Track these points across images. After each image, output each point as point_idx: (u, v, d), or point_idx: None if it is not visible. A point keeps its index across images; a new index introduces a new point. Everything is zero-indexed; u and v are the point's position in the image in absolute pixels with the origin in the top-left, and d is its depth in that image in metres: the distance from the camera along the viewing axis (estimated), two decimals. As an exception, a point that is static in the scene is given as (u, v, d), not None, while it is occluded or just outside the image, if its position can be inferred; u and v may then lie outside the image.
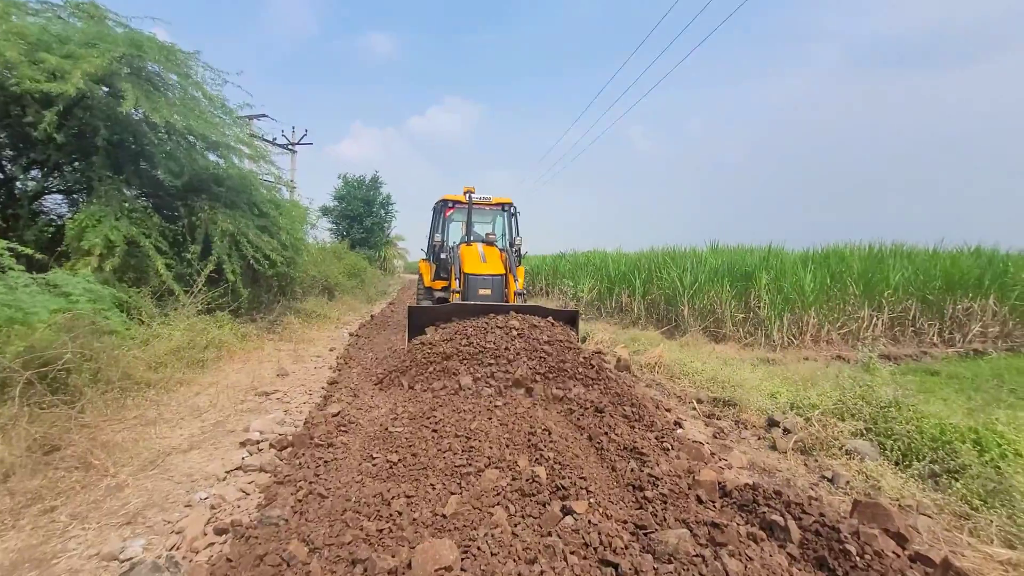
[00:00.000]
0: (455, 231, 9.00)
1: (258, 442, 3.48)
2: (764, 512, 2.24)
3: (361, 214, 29.81)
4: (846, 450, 3.46)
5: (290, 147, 20.71)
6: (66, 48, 5.29)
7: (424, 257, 8.83)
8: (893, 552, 1.93)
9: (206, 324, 6.43)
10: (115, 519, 2.54)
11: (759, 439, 3.93)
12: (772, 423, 4.01)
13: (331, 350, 7.22)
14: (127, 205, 6.35)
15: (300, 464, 2.99)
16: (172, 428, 3.85)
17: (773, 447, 3.68)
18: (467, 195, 7.31)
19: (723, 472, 3.06)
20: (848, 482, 3.04)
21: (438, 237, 8.09)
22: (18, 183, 6.71)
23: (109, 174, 6.29)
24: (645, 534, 2.14)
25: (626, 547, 1.95)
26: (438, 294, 7.70)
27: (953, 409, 4.03)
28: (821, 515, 2.16)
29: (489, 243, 7.12)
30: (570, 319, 5.65)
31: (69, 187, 7.15)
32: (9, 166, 6.59)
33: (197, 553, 2.21)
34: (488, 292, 6.23)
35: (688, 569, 1.76)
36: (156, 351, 5.35)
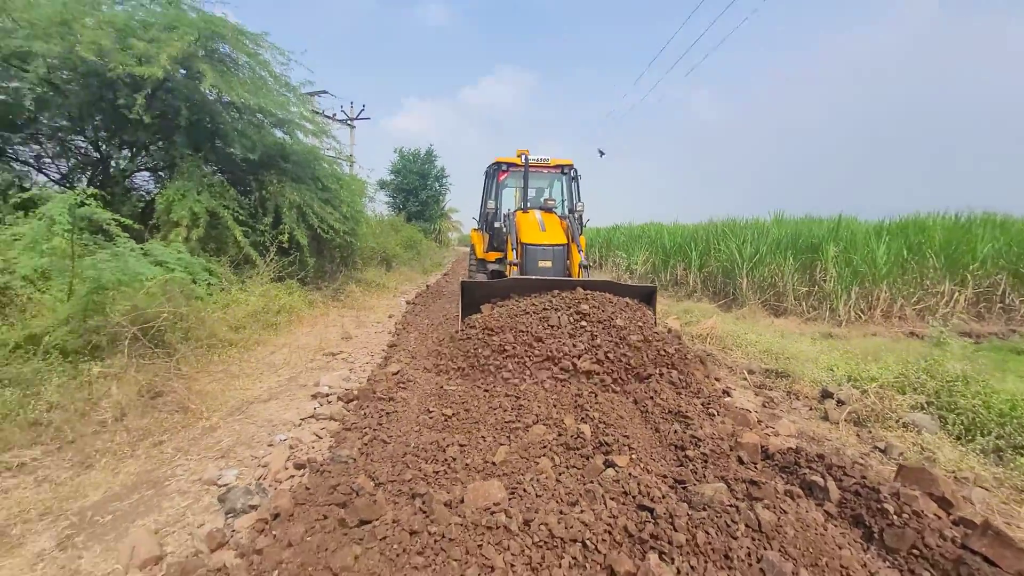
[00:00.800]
0: (509, 198, 8.34)
1: (327, 395, 3.83)
2: (805, 473, 2.28)
3: (416, 187, 30.42)
4: (903, 423, 3.36)
5: (349, 122, 21.37)
6: (150, 33, 5.74)
7: (476, 227, 8.23)
8: (934, 514, 1.93)
9: (278, 291, 6.96)
10: (211, 453, 2.93)
11: (810, 410, 3.87)
12: (826, 394, 3.93)
13: (390, 317, 7.63)
14: (206, 180, 6.90)
15: (364, 415, 3.29)
16: (253, 381, 4.29)
17: (825, 418, 3.63)
18: (522, 157, 6.75)
19: (768, 438, 3.08)
20: (901, 453, 2.98)
21: (491, 204, 7.34)
22: (112, 162, 7.43)
23: (189, 152, 6.85)
24: (683, 487, 2.24)
25: (663, 496, 2.07)
26: (492, 266, 7.16)
27: None
28: (863, 477, 2.17)
29: (548, 210, 6.61)
30: (646, 296, 4.94)
31: (155, 165, 7.83)
32: (104, 146, 7.30)
33: (280, 483, 2.53)
34: (549, 264, 5.72)
35: (720, 517, 1.85)
36: (235, 315, 5.88)
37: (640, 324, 4.32)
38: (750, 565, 1.69)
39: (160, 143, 7.20)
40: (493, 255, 7.27)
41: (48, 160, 7.27)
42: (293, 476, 2.58)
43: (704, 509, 1.90)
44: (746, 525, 1.84)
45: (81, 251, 4.32)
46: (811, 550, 1.77)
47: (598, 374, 3.86)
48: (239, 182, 7.99)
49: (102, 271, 4.09)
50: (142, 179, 8.21)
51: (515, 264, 5.65)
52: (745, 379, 4.63)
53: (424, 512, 1.96)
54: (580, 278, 5.21)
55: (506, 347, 4.09)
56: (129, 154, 7.56)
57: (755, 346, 5.54)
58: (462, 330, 4.50)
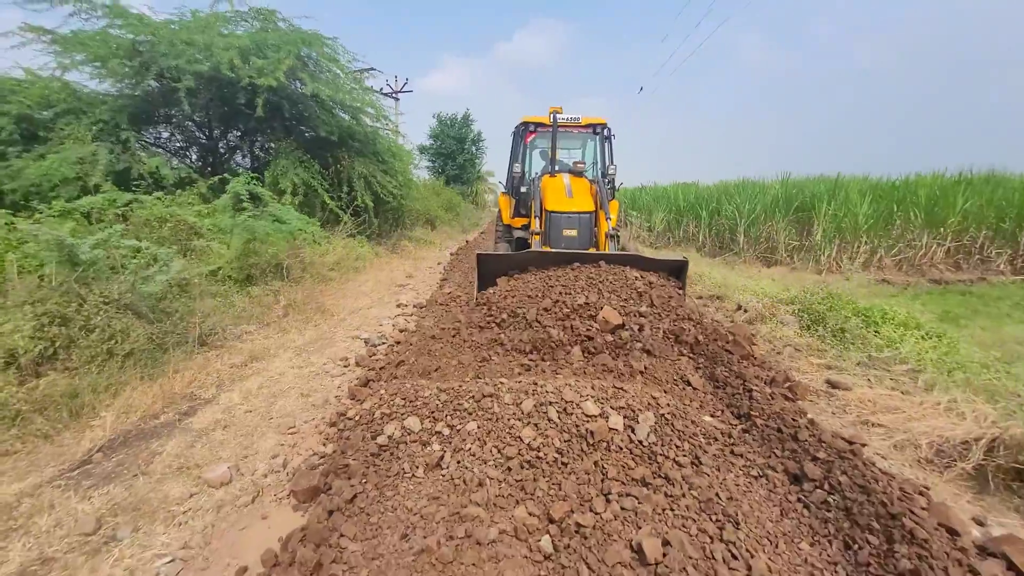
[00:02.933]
0: (538, 160, 7.93)
1: (406, 304, 5.97)
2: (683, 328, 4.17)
3: (454, 152, 32.14)
4: (778, 320, 5.18)
5: (394, 95, 23.23)
6: (266, 52, 7.77)
7: (504, 190, 7.95)
8: (741, 347, 3.82)
9: (354, 244, 9.13)
10: (350, 328, 5.10)
11: (726, 315, 5.71)
12: (739, 307, 5.76)
13: (439, 264, 9.75)
14: (299, 158, 9.03)
15: (430, 313, 5.37)
16: (355, 299, 6.46)
17: (731, 319, 5.47)
18: (552, 116, 6.31)
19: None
20: (749, 321, 4.83)
21: (517, 167, 6.90)
22: (220, 145, 9.68)
23: (287, 137, 8.97)
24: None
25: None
26: (517, 233, 6.81)
27: (917, 313, 5.42)
28: (715, 328, 4.09)
29: (577, 173, 6.34)
30: (676, 271, 4.69)
31: (257, 149, 10.06)
32: (216, 133, 9.53)
33: (391, 338, 4.65)
34: (574, 233, 5.48)
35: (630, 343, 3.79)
36: (328, 260, 8.08)
37: (671, 302, 4.17)
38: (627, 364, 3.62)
39: (267, 132, 9.37)
40: (519, 221, 6.94)
41: (168, 142, 9.56)
42: (397, 336, 4.70)
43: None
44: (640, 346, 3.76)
45: (243, 214, 6.53)
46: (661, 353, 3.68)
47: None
48: (320, 159, 10.10)
49: (256, 227, 6.28)
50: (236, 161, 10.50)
51: (538, 233, 5.51)
52: (696, 300, 6.47)
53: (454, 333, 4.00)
54: (606, 249, 5.21)
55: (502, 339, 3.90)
56: (238, 140, 9.82)
57: (712, 280, 7.32)
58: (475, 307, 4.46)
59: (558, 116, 6.40)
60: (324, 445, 2.70)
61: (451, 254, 11.14)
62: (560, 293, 4.16)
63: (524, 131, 7.10)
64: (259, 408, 3.24)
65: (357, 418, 2.70)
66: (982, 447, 2.40)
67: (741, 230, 12.28)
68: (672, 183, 19.87)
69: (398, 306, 6.00)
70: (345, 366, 3.99)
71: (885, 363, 3.95)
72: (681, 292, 4.49)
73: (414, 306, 5.89)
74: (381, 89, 22.17)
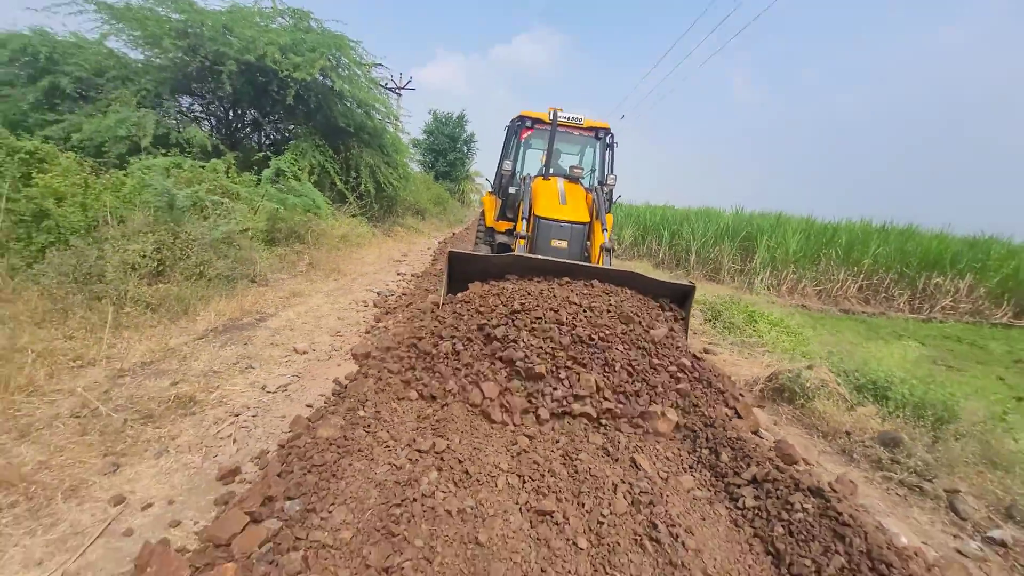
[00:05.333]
0: (533, 160, 7.32)
1: (404, 274, 7.42)
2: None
3: (446, 149, 33.46)
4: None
5: (397, 91, 24.50)
6: (302, 49, 9.09)
7: (491, 189, 7.49)
8: None
9: (356, 224, 10.48)
10: (363, 285, 6.51)
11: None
12: (665, 303, 7.39)
13: (428, 248, 11.20)
14: (316, 143, 10.33)
15: (420, 282, 6.80)
16: (362, 266, 7.85)
17: (657, 312, 7.09)
18: (551, 113, 5.79)
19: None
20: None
21: (507, 165, 6.36)
22: (240, 124, 10.91)
23: (307, 124, 10.28)
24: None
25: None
26: (500, 238, 6.40)
27: (802, 326, 7.13)
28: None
29: (573, 179, 6.04)
30: (680, 297, 4.25)
31: (270, 129, 11.32)
32: (241, 112, 10.77)
33: (398, 290, 6.08)
34: (564, 244, 5.00)
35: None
36: (336, 233, 9.42)
37: (669, 341, 3.61)
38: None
39: (289, 116, 10.65)
40: (503, 225, 6.48)
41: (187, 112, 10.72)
42: (403, 289, 6.13)
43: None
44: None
45: (273, 186, 7.84)
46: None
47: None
48: (332, 146, 11.42)
49: (286, 198, 7.61)
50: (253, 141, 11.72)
51: (524, 238, 5.04)
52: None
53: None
54: (600, 264, 4.74)
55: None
56: (259, 120, 11.07)
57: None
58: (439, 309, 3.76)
59: (558, 114, 5.87)
60: (363, 339, 4.14)
61: (439, 242, 12.59)
62: (541, 311, 3.48)
63: (520, 126, 6.52)
64: (310, 322, 4.65)
65: (383, 328, 4.15)
66: (764, 379, 4.02)
67: (694, 251, 14.09)
68: (644, 203, 21.82)
69: (398, 274, 7.43)
70: (364, 306, 5.42)
71: (749, 345, 5.62)
72: (680, 328, 3.98)
73: (411, 275, 7.33)
74: (385, 84, 23.39)
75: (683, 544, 1.98)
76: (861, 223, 15.06)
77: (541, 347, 3.20)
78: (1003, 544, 2.31)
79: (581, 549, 1.92)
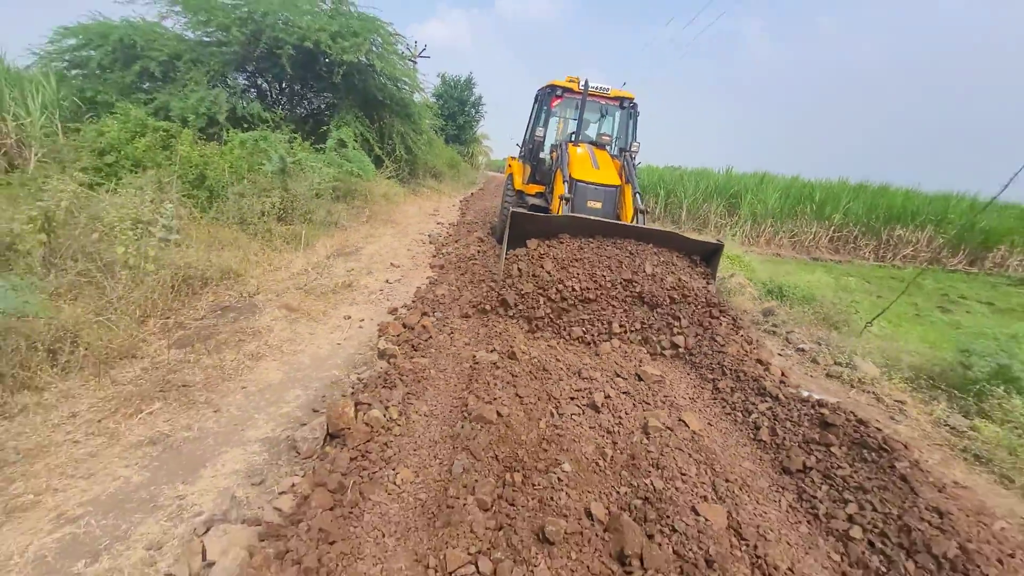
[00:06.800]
0: (553, 127, 7.72)
1: (441, 223, 9.34)
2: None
3: (455, 112, 34.55)
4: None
5: (412, 59, 25.69)
6: (348, 33, 10.72)
7: (516, 154, 7.91)
8: None
9: (392, 184, 12.32)
10: (415, 231, 8.44)
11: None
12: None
13: (453, 206, 13.08)
14: (356, 114, 12.04)
15: (458, 229, 8.71)
16: (407, 218, 9.77)
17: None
18: (580, 83, 6.20)
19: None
20: None
21: (540, 132, 6.74)
22: (282, 97, 12.62)
23: (347, 97, 11.99)
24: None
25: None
26: (532, 200, 6.65)
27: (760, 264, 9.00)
28: None
29: (600, 146, 6.30)
30: (710, 254, 4.75)
31: (313, 102, 13.03)
32: (296, 87, 12.45)
33: (444, 233, 8.02)
34: (599, 205, 5.40)
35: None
36: (378, 192, 11.29)
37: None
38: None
39: (332, 91, 12.36)
40: (534, 188, 6.82)
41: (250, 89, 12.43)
42: (446, 233, 8.06)
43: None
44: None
45: (334, 153, 9.66)
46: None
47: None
48: (368, 117, 13.13)
49: (343, 163, 9.46)
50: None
51: (569, 197, 5.26)
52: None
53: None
54: (634, 224, 5.04)
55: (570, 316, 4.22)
56: (304, 93, 12.78)
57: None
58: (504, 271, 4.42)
59: (587, 84, 6.29)
60: (433, 259, 6.13)
61: (460, 200, 14.44)
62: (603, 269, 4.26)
63: (550, 95, 6.86)
64: (390, 251, 6.64)
65: (444, 253, 6.12)
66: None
67: (684, 207, 15.85)
68: (645, 164, 23.34)
69: (437, 223, 9.37)
70: (422, 244, 7.37)
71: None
72: (710, 281, 4.52)
73: (448, 224, 9.25)
74: (402, 53, 24.65)
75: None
76: (838, 182, 16.67)
77: (609, 294, 4.21)
78: (802, 351, 4.32)
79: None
